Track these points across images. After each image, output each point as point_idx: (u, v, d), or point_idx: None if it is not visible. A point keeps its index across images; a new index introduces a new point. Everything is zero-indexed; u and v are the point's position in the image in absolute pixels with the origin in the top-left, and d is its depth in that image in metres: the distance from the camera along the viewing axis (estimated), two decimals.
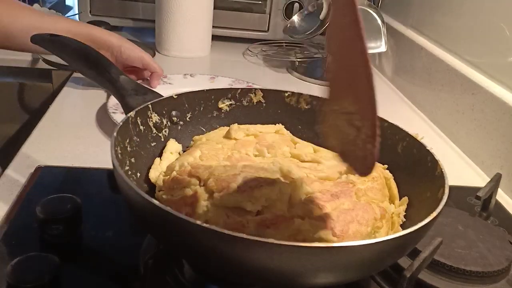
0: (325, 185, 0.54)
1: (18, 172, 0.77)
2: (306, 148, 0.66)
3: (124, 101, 0.63)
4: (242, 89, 0.72)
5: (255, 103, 0.73)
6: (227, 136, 0.67)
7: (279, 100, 0.73)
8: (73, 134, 0.91)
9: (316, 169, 0.59)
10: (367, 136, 0.42)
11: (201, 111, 0.71)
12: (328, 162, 0.62)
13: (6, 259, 0.57)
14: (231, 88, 0.73)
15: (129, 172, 0.58)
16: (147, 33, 1.48)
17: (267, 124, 0.72)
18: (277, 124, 0.71)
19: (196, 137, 0.68)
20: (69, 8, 1.91)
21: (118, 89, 0.64)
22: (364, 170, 0.43)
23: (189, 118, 0.70)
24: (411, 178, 0.61)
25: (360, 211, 0.50)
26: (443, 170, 0.56)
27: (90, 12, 1.47)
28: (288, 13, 1.46)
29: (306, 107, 0.72)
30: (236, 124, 0.69)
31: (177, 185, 0.54)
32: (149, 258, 0.56)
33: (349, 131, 0.44)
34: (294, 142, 0.68)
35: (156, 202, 0.45)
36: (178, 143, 0.68)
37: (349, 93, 0.49)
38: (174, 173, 0.57)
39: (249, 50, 1.47)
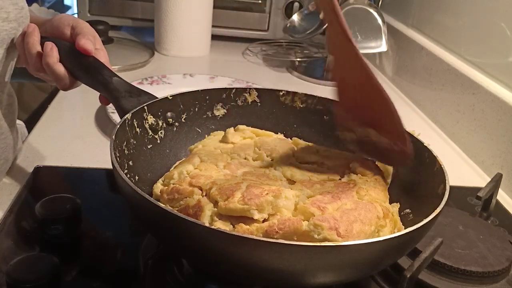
0: (325, 187, 0.54)
1: (18, 172, 0.77)
2: (309, 149, 0.66)
3: (118, 104, 0.62)
4: (236, 88, 0.72)
5: (250, 103, 0.72)
6: (224, 140, 0.66)
7: (274, 99, 0.73)
8: (72, 134, 0.91)
9: (317, 171, 0.59)
10: (397, 142, 0.56)
11: (196, 111, 0.70)
12: (331, 161, 0.62)
13: (6, 259, 0.57)
14: (225, 88, 0.72)
15: (128, 176, 0.58)
16: (146, 33, 1.48)
17: (262, 124, 0.71)
18: (278, 134, 0.70)
19: (192, 147, 0.67)
20: (68, 7, 1.91)
21: (112, 91, 0.63)
22: (403, 162, 0.56)
23: (184, 119, 0.69)
24: (409, 176, 0.61)
25: (362, 210, 0.50)
26: (442, 165, 0.56)
27: (88, 11, 1.46)
28: (288, 12, 1.45)
29: (301, 106, 0.72)
30: (232, 128, 0.68)
31: (178, 195, 0.54)
32: (149, 258, 0.56)
33: (379, 140, 0.57)
34: (296, 144, 0.67)
35: (166, 207, 0.45)
36: (174, 144, 0.68)
37: (363, 104, 0.58)
38: (173, 182, 0.57)
39: (249, 49, 1.47)
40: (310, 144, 0.68)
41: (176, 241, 0.48)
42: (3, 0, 0.65)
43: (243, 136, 0.67)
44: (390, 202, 0.58)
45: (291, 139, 0.69)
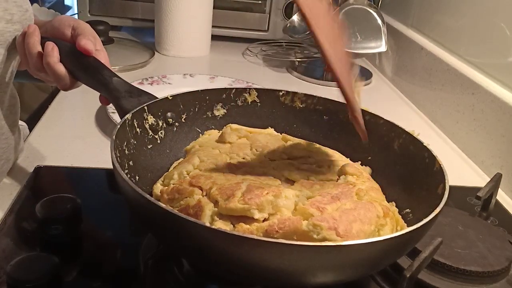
0: (325, 188, 0.54)
1: (18, 172, 0.77)
2: (297, 144, 0.67)
3: (118, 104, 0.62)
4: (236, 89, 0.72)
5: (249, 103, 0.73)
6: (221, 140, 0.66)
7: (273, 99, 0.73)
8: (72, 134, 0.91)
9: (315, 171, 0.59)
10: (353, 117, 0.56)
11: (196, 112, 0.70)
12: (318, 156, 0.62)
13: (6, 259, 0.57)
14: (225, 88, 0.73)
15: (128, 176, 0.58)
16: (147, 33, 1.48)
17: (262, 124, 0.72)
18: (268, 128, 0.71)
19: (188, 147, 0.68)
20: (68, 7, 1.91)
21: (112, 92, 0.63)
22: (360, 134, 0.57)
23: (184, 119, 0.69)
24: (408, 175, 0.61)
25: (362, 210, 0.50)
26: (441, 165, 0.56)
27: (89, 12, 1.46)
28: (288, 12, 1.45)
29: (301, 106, 0.73)
30: (229, 126, 0.69)
31: (179, 195, 0.54)
32: (149, 258, 0.56)
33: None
34: (285, 140, 0.68)
35: (167, 207, 0.45)
36: (174, 144, 0.68)
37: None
38: (173, 182, 0.57)
39: (248, 50, 1.47)
40: (298, 140, 0.68)
41: (177, 241, 0.48)
42: (8, 2, 0.65)
43: (239, 135, 0.67)
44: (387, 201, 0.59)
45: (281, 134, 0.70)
